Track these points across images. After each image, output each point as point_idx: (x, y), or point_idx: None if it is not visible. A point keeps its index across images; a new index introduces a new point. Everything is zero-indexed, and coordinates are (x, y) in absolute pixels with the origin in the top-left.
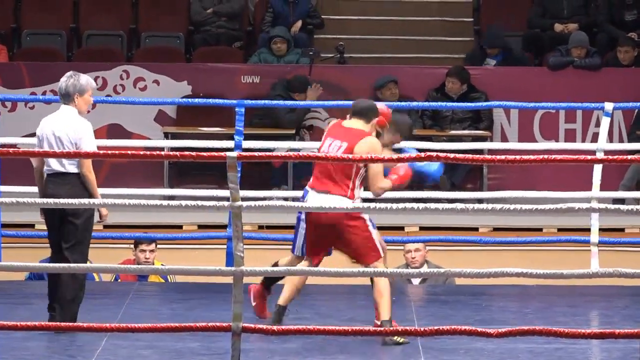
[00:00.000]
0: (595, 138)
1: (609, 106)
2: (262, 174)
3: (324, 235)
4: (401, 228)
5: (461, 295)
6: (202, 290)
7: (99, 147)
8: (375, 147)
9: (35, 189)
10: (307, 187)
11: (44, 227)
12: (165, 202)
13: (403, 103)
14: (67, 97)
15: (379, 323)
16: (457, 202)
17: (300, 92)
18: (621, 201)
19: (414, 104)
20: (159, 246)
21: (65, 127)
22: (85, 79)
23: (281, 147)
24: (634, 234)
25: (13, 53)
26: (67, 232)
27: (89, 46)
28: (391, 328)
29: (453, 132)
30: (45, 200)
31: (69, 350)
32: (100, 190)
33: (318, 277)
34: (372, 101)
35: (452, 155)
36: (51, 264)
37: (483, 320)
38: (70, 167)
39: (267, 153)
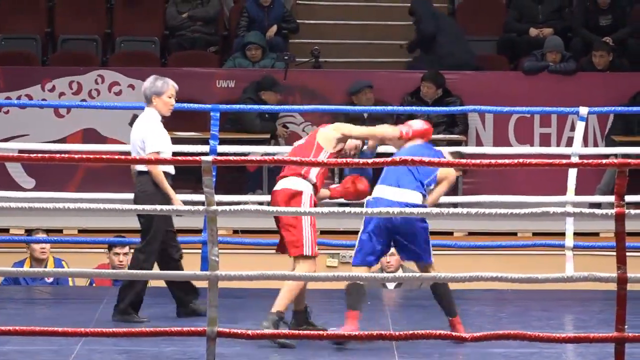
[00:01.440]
0: (570, 142)
1: (583, 111)
2: (237, 178)
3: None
4: None
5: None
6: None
7: (73, 152)
8: (338, 126)
9: (6, 193)
10: None
11: (19, 231)
12: (140, 207)
13: (378, 107)
14: (146, 99)
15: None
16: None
17: (267, 90)
18: (597, 205)
19: (389, 108)
20: None
21: (137, 129)
22: (162, 81)
23: (256, 152)
24: (609, 239)
25: None
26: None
27: (64, 50)
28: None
29: None
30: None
31: (44, 354)
32: (75, 195)
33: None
34: None
35: (427, 159)
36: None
37: None
38: (141, 166)
39: (242, 157)
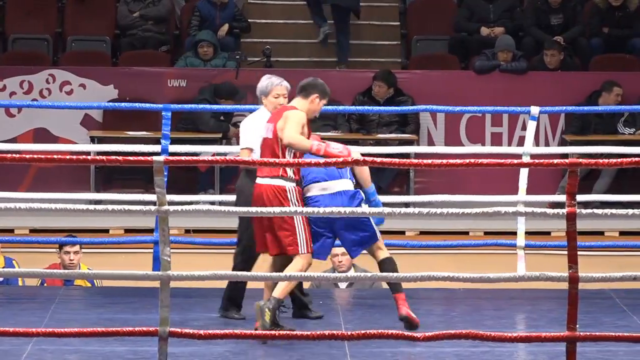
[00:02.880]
0: (521, 142)
1: (535, 110)
2: (189, 178)
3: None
4: None
5: (388, 299)
6: (129, 294)
7: (25, 152)
8: (290, 117)
9: None
10: None
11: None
12: (91, 207)
13: (330, 107)
14: (259, 99)
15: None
16: (383, 205)
17: (226, 99)
18: (561, 204)
19: (341, 107)
20: (86, 250)
21: None
22: (266, 81)
23: (207, 152)
24: (560, 238)
25: None
26: None
27: (15, 50)
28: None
29: (380, 135)
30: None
31: None
32: (26, 195)
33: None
34: (317, 79)
35: (378, 159)
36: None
37: None
38: None
39: (194, 157)
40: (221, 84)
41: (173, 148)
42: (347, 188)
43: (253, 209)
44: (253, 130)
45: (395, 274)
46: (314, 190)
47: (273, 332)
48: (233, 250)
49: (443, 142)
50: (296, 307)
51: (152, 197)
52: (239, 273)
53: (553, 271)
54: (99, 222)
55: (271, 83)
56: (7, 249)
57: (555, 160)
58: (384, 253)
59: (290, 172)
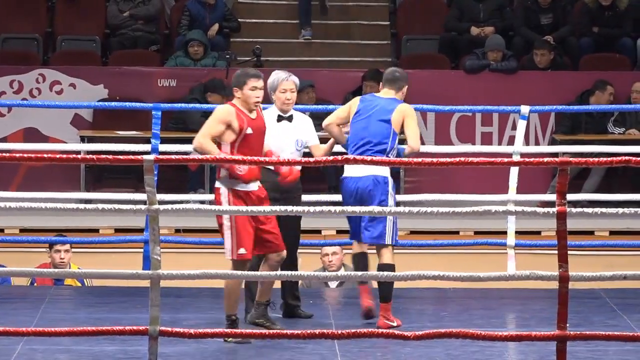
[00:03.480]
0: (511, 141)
1: (525, 109)
2: (179, 177)
3: None
4: (318, 231)
5: (378, 298)
6: (119, 293)
7: (13, 151)
8: (214, 111)
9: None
10: None
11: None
12: (82, 206)
13: (320, 106)
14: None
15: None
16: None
17: (212, 93)
18: (551, 204)
19: (331, 107)
20: (76, 250)
21: None
22: (270, 79)
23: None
24: (550, 237)
25: None
26: None
27: (5, 49)
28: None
29: None
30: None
31: None
32: (16, 194)
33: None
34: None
35: (369, 158)
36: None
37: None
38: None
39: (184, 156)
40: (209, 80)
41: (163, 147)
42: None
43: (243, 208)
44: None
45: (385, 273)
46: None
47: (263, 331)
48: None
49: (433, 141)
50: (286, 307)
51: (142, 197)
52: (226, 272)
53: (543, 270)
54: (89, 222)
55: (273, 80)
56: None
57: (546, 159)
58: (385, 259)
59: (223, 172)
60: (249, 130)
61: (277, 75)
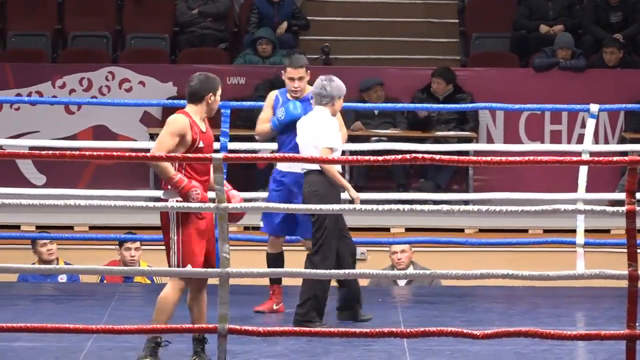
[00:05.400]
0: (580, 139)
1: (594, 108)
2: (247, 175)
3: None
4: (387, 229)
5: (447, 296)
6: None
7: (84, 149)
8: (168, 123)
9: (17, 190)
10: None
11: (30, 228)
12: (150, 204)
13: (389, 104)
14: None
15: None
16: (443, 203)
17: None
18: (620, 202)
19: (400, 105)
20: (145, 247)
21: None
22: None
23: (265, 149)
24: (620, 235)
25: None
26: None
27: (74, 47)
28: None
29: (439, 133)
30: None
31: (55, 352)
32: (86, 192)
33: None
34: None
35: (437, 156)
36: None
37: (469, 321)
38: (313, 165)
39: (252, 154)
40: (275, 77)
41: (232, 145)
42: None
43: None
44: (333, 129)
45: (454, 272)
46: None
47: (333, 330)
48: (291, 248)
49: (502, 139)
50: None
51: (211, 195)
52: (296, 270)
53: (612, 269)
54: (158, 219)
55: (342, 87)
56: (67, 245)
57: (615, 158)
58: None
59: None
60: (201, 144)
61: (341, 84)
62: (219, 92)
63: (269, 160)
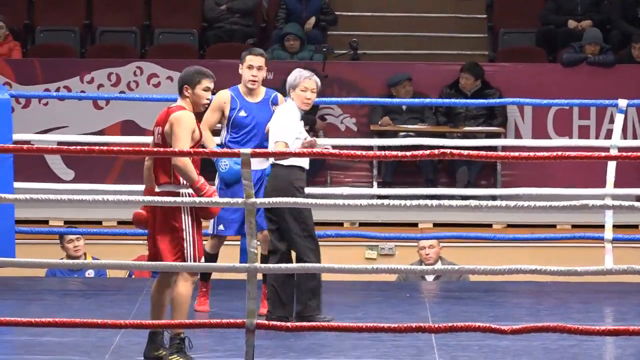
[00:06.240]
0: (609, 135)
1: (622, 103)
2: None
3: None
4: (415, 225)
5: (475, 291)
6: (215, 286)
7: (112, 144)
8: (178, 121)
9: (45, 185)
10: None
11: (59, 223)
12: (178, 199)
13: (417, 100)
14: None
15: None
16: (470, 198)
17: None
18: None
19: (428, 100)
20: None
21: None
22: (292, 75)
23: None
24: None
25: (26, 49)
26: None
27: (103, 43)
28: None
29: (467, 128)
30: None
31: (83, 346)
32: (114, 187)
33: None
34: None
35: (465, 152)
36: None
37: (497, 317)
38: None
39: (280, 150)
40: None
41: None
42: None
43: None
44: (292, 126)
45: (482, 267)
46: None
47: (361, 324)
48: (324, 243)
49: (530, 135)
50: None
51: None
52: (323, 265)
53: None
54: None
55: (301, 76)
56: (95, 240)
57: None
58: None
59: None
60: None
61: (300, 73)
62: (202, 86)
63: (296, 155)
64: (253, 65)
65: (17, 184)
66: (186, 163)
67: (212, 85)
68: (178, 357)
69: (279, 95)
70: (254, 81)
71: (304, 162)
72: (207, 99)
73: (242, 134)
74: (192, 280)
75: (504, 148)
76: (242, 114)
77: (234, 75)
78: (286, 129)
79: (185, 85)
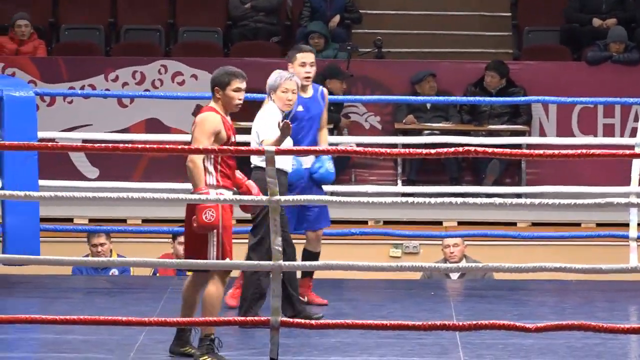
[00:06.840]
0: (633, 133)
1: None
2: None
3: None
4: (439, 223)
5: (500, 290)
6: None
7: (137, 142)
8: (200, 122)
9: (70, 183)
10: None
11: (83, 221)
12: (203, 196)
13: (441, 98)
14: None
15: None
16: (495, 196)
17: (331, 79)
18: None
19: (452, 98)
20: None
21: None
22: (272, 77)
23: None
24: None
25: (51, 48)
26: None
27: (127, 41)
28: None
29: (491, 126)
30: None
31: (108, 344)
32: (139, 185)
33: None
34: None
35: (490, 149)
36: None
37: (521, 315)
38: (257, 160)
39: (305, 147)
40: (325, 67)
41: None
42: None
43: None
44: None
45: (507, 265)
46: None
47: (385, 322)
48: (348, 241)
49: (555, 133)
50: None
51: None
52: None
53: None
54: None
55: (281, 77)
56: (120, 238)
57: None
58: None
59: (210, 180)
60: (233, 138)
61: (280, 74)
62: (232, 87)
63: (321, 153)
64: (306, 62)
65: (41, 182)
66: (195, 165)
67: (243, 86)
68: (209, 358)
69: (325, 90)
70: (308, 77)
71: (286, 165)
72: (239, 100)
73: (299, 128)
74: (224, 281)
75: (529, 146)
76: (300, 109)
77: (259, 73)
78: (270, 128)
79: (216, 87)
